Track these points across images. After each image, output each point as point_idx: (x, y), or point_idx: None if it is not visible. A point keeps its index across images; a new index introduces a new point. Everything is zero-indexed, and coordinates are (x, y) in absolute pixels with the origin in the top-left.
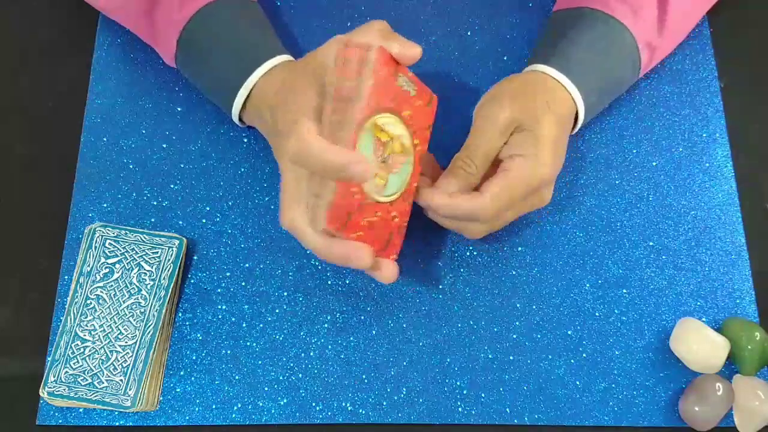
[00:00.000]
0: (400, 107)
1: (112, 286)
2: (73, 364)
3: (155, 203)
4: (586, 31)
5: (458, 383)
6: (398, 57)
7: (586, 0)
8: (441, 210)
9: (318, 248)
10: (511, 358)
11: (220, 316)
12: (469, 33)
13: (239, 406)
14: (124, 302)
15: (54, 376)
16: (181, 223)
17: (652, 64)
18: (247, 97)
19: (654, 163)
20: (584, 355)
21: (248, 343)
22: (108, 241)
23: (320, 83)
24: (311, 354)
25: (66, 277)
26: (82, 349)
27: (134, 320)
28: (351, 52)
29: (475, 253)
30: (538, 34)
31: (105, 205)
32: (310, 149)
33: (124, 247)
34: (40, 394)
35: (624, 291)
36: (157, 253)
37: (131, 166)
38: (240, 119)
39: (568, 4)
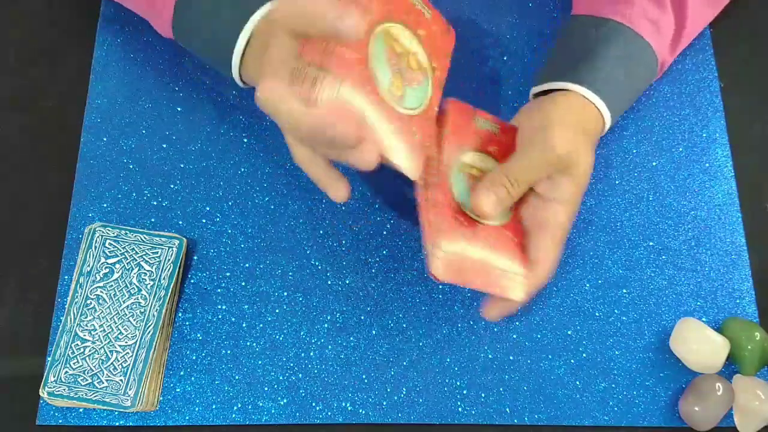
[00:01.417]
0: (415, 24)
1: (112, 286)
2: (73, 364)
3: (155, 203)
4: (618, 50)
5: (458, 383)
6: None
7: (611, 11)
8: (515, 306)
9: (296, 116)
10: (511, 358)
11: (220, 316)
12: (469, 33)
13: (239, 406)
14: (124, 302)
15: (54, 376)
16: (181, 223)
17: (657, 78)
18: (246, 52)
19: (654, 163)
20: (584, 355)
21: (248, 343)
22: (108, 241)
23: None
24: (311, 354)
25: (66, 277)
26: (82, 349)
27: (134, 320)
28: None
29: None
30: (559, 38)
31: (105, 205)
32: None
33: (124, 247)
34: (40, 394)
35: (624, 291)
36: (157, 253)
37: (131, 166)
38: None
39: (591, 11)
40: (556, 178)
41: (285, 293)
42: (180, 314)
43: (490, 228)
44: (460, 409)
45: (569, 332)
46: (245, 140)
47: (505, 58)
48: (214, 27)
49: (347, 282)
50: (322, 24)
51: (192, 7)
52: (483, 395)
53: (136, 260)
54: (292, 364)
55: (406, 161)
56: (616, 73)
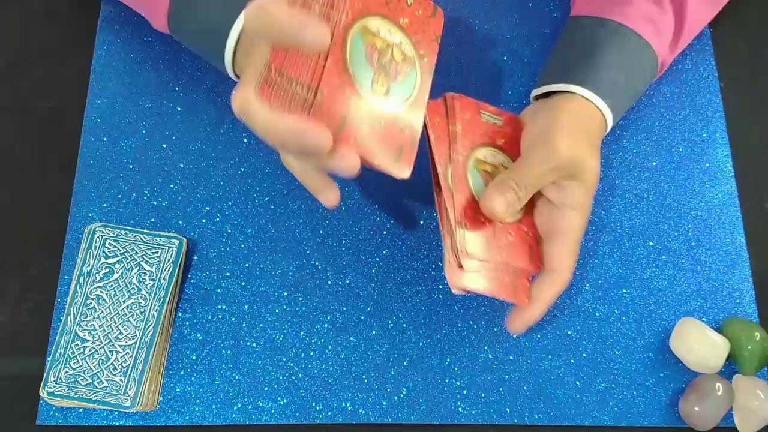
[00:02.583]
0: (396, 13)
1: (112, 286)
2: (73, 364)
3: (155, 203)
4: (619, 51)
5: (458, 383)
6: None
7: (611, 11)
8: (536, 317)
9: (267, 125)
10: (511, 358)
11: (220, 316)
12: (469, 33)
13: (239, 406)
14: (124, 302)
15: (54, 376)
16: (181, 223)
17: (657, 78)
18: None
19: (654, 163)
20: (584, 355)
21: (248, 343)
22: (108, 241)
23: None
24: (311, 354)
25: (66, 277)
26: (82, 349)
27: (134, 320)
28: None
29: None
30: (560, 39)
31: (105, 205)
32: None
33: (124, 247)
34: (40, 394)
35: (624, 291)
36: (157, 253)
37: (131, 166)
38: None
39: (591, 12)
40: (565, 183)
41: (285, 293)
42: (180, 314)
43: (508, 225)
44: (460, 409)
45: (569, 332)
46: (245, 140)
47: (505, 58)
48: (209, 20)
49: (347, 282)
50: (286, 36)
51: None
52: (483, 395)
53: (136, 260)
54: (292, 364)
55: (390, 163)
56: (617, 73)
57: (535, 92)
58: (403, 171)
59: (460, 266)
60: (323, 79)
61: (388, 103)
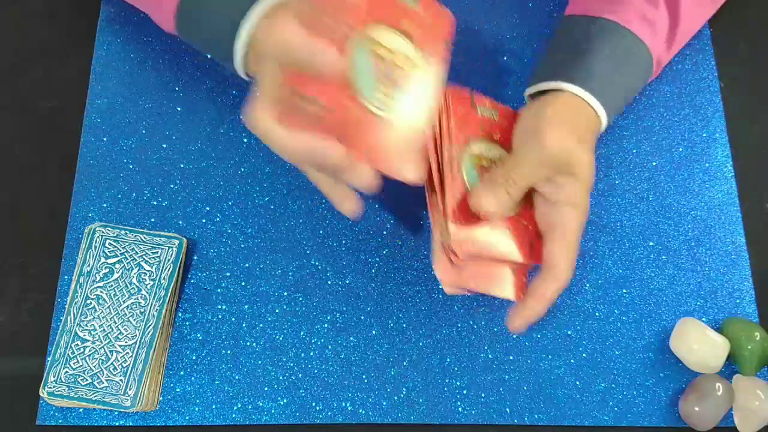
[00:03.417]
0: (400, 20)
1: (112, 286)
2: (73, 364)
3: (155, 203)
4: (612, 48)
5: (458, 383)
6: None
7: (603, 9)
8: (537, 315)
9: (283, 143)
10: (511, 358)
11: (220, 316)
12: (469, 33)
13: (239, 406)
14: (124, 302)
15: (54, 376)
16: (181, 223)
17: (653, 78)
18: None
19: (654, 163)
20: (584, 355)
21: (248, 343)
22: (108, 241)
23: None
24: (311, 354)
25: (66, 277)
26: (82, 349)
27: (134, 320)
28: None
29: None
30: (553, 38)
31: (105, 205)
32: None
33: (124, 247)
34: (40, 394)
35: (624, 291)
36: (157, 253)
37: (131, 166)
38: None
39: (583, 11)
40: (559, 180)
41: (285, 293)
42: (180, 314)
43: (506, 220)
44: (460, 409)
45: (569, 332)
46: (245, 140)
47: (505, 58)
48: (221, 20)
49: (347, 282)
50: (300, 61)
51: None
52: (483, 395)
53: (136, 260)
54: (292, 364)
55: (404, 170)
56: (609, 70)
57: (527, 91)
58: (414, 174)
59: (452, 263)
60: (332, 96)
61: (396, 112)
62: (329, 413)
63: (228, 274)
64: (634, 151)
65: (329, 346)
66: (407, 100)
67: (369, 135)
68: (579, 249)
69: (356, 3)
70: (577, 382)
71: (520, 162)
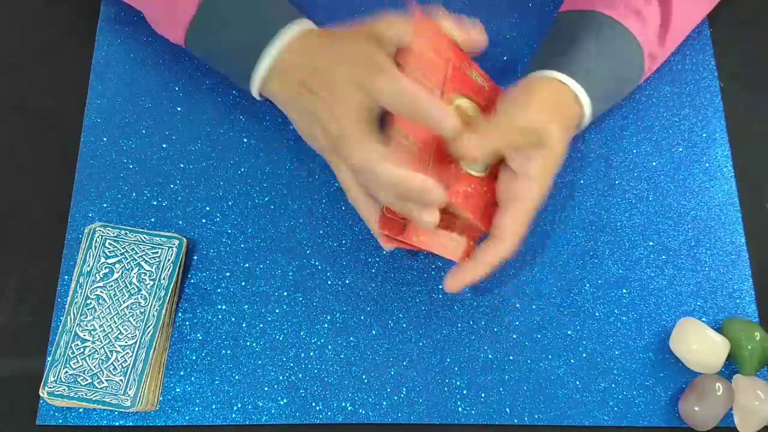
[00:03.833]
0: (472, 93)
1: (112, 286)
2: (73, 364)
3: (155, 203)
4: (600, 39)
5: (458, 383)
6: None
7: (595, 3)
8: (474, 278)
9: (398, 180)
10: (511, 358)
11: (220, 316)
12: None
13: (239, 406)
14: (124, 302)
15: (54, 376)
16: (181, 223)
17: (649, 73)
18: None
19: (654, 163)
20: (584, 355)
21: (248, 343)
22: (108, 241)
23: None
24: (311, 354)
25: (66, 277)
26: (82, 349)
27: (134, 320)
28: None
29: None
30: (546, 33)
31: (105, 205)
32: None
33: (124, 247)
34: (40, 394)
35: (624, 291)
36: (157, 253)
37: (131, 166)
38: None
39: (576, 6)
40: (529, 152)
41: (285, 293)
42: (180, 314)
43: (470, 178)
44: (460, 409)
45: (569, 332)
46: (245, 140)
47: (505, 58)
48: (239, 39)
49: (347, 282)
50: (422, 113)
51: (216, 15)
52: (483, 395)
53: (136, 260)
54: (292, 364)
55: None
56: (597, 61)
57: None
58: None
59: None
60: (418, 132)
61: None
62: (329, 413)
63: (228, 274)
64: (634, 151)
65: (329, 346)
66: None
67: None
68: (530, 224)
69: (439, 65)
70: (577, 382)
71: (503, 119)
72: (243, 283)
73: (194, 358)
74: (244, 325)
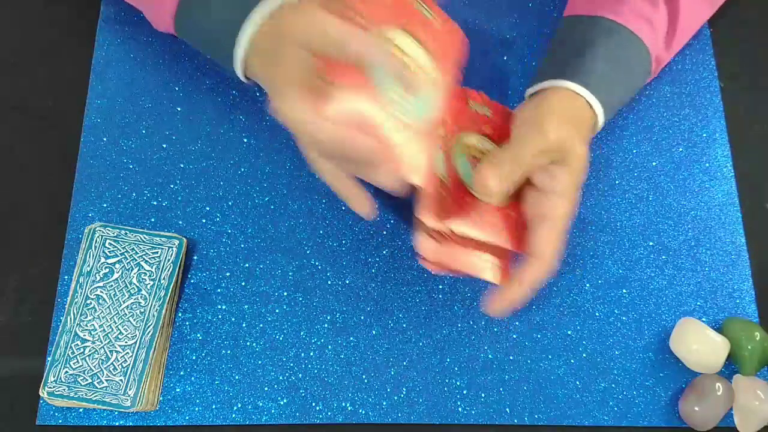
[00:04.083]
0: (417, 29)
1: (112, 286)
2: (73, 364)
3: (155, 203)
4: (610, 46)
5: (458, 383)
6: None
7: (602, 8)
8: (516, 300)
9: (318, 131)
10: (511, 358)
11: (220, 316)
12: (469, 33)
13: (239, 406)
14: (124, 302)
15: (54, 376)
16: (181, 223)
17: (654, 76)
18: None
19: (654, 163)
20: (584, 355)
21: (248, 343)
22: (108, 241)
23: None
24: (311, 354)
25: (66, 277)
26: (82, 349)
27: (134, 320)
28: None
29: None
30: (553, 39)
31: (105, 205)
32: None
33: (124, 247)
34: (40, 394)
35: (624, 291)
36: (157, 253)
37: (131, 166)
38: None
39: (582, 11)
40: (552, 169)
41: (285, 293)
42: (180, 314)
43: (493, 209)
44: (460, 409)
45: (569, 332)
46: (245, 140)
47: (505, 58)
48: (221, 20)
49: (347, 282)
50: (345, 50)
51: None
52: (483, 395)
53: (136, 260)
54: (292, 364)
55: (412, 175)
56: (606, 68)
57: (528, 91)
58: (420, 179)
59: (435, 239)
60: (357, 84)
61: (408, 112)
62: (329, 413)
63: (228, 274)
64: (634, 151)
65: (329, 346)
66: (418, 103)
67: (394, 134)
68: (565, 240)
69: (378, 1)
70: (577, 382)
71: (522, 146)
72: (243, 283)
73: (194, 358)
74: (244, 325)
